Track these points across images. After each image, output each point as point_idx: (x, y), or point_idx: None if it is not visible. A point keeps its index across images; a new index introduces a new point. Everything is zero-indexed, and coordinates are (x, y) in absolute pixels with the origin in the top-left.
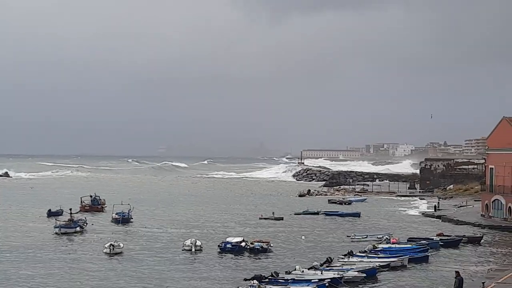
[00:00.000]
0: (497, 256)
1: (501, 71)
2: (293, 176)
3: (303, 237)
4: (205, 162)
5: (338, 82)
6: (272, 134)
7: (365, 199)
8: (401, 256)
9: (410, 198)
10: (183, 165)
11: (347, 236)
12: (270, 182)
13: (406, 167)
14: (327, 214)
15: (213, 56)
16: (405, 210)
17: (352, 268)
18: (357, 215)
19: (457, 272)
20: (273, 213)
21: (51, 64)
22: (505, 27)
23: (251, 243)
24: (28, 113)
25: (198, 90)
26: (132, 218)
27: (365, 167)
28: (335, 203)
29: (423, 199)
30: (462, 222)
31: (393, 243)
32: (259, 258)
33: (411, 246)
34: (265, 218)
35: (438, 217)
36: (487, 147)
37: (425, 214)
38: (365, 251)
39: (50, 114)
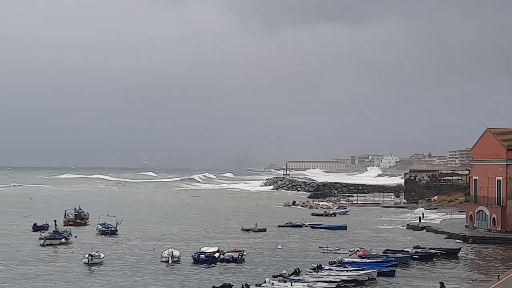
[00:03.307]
0: (472, 268)
1: (487, 82)
2: (278, 187)
3: (279, 246)
4: (191, 174)
5: (325, 93)
6: (258, 145)
7: (347, 211)
8: (369, 269)
9: (395, 209)
10: (166, 176)
11: (319, 248)
12: (255, 193)
13: (372, 176)
14: (312, 226)
15: (200, 65)
16: (390, 222)
17: (320, 281)
18: (343, 227)
19: (441, 283)
20: (256, 224)
21: (32, 72)
22: (491, 39)
23: (223, 253)
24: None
25: (184, 100)
26: (117, 231)
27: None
28: (320, 215)
29: (408, 210)
30: (446, 233)
31: (359, 256)
32: (233, 268)
33: (380, 260)
34: (247, 230)
35: (423, 228)
36: (471, 158)
37: (409, 226)
38: (334, 262)
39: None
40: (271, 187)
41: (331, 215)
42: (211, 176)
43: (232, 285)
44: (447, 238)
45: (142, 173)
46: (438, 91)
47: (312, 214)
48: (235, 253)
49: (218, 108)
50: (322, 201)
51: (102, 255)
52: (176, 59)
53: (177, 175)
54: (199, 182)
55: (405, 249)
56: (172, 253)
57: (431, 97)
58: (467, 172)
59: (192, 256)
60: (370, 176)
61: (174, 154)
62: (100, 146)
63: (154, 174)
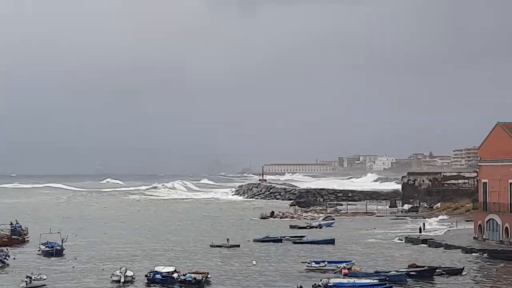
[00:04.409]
0: None
1: (495, 73)
2: (253, 195)
3: (254, 262)
4: (160, 180)
5: (308, 84)
6: (229, 146)
7: (333, 222)
8: None
9: (391, 219)
10: (124, 184)
11: (302, 263)
12: (226, 202)
13: (368, 181)
14: (294, 241)
15: (164, 58)
16: (385, 234)
17: None
18: (330, 241)
19: None
20: (227, 239)
21: None
22: (499, 26)
23: (183, 274)
24: None
25: (145, 97)
26: (64, 250)
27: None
28: (301, 228)
29: (406, 220)
30: (451, 247)
31: (345, 274)
32: None
33: (372, 280)
34: (217, 246)
35: (424, 241)
36: (479, 158)
37: (408, 238)
38: (319, 286)
39: None
40: (245, 195)
41: (315, 227)
42: (188, 183)
43: None
44: (451, 252)
45: (106, 180)
46: (440, 81)
47: (292, 227)
48: (198, 274)
49: (184, 102)
50: (307, 211)
51: (44, 277)
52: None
53: (147, 182)
54: (172, 189)
55: (399, 270)
56: (125, 272)
57: (432, 88)
58: (475, 174)
59: (146, 276)
60: (366, 182)
61: (134, 157)
62: (41, 149)
63: (120, 182)
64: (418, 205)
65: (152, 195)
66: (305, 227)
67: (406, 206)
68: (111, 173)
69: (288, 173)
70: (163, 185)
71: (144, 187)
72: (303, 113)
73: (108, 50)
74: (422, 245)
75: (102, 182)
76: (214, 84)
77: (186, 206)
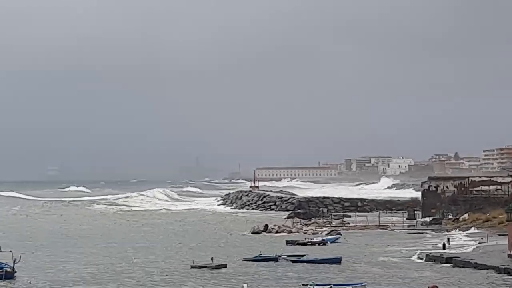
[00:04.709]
0: None
1: None
2: (243, 205)
3: (244, 285)
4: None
5: (310, 74)
6: (214, 147)
7: (338, 238)
8: None
9: (409, 233)
10: (90, 192)
11: (303, 285)
12: (211, 214)
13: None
14: (292, 260)
15: (135, 40)
16: (401, 251)
17: None
18: (336, 261)
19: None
20: (212, 258)
21: None
22: None
23: None
24: None
25: (109, 87)
26: (16, 272)
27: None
28: (301, 244)
29: (426, 234)
30: (482, 267)
31: None
32: None
33: None
34: (199, 266)
35: (448, 259)
36: None
37: (429, 256)
38: None
39: None
40: (233, 206)
41: (318, 243)
42: (169, 192)
43: None
44: (481, 272)
45: (68, 188)
46: (470, 67)
47: (290, 243)
48: None
49: (157, 93)
50: (308, 224)
51: None
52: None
53: (117, 190)
54: (150, 198)
55: None
56: None
57: (459, 75)
58: (510, 179)
59: None
60: (379, 189)
61: (97, 160)
62: None
63: (85, 190)
64: (441, 216)
65: (124, 206)
66: (305, 243)
67: (426, 218)
68: (69, 179)
69: (286, 178)
70: (141, 194)
71: (113, 196)
72: (303, 107)
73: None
74: (446, 264)
75: (63, 190)
76: (193, 71)
77: (164, 218)
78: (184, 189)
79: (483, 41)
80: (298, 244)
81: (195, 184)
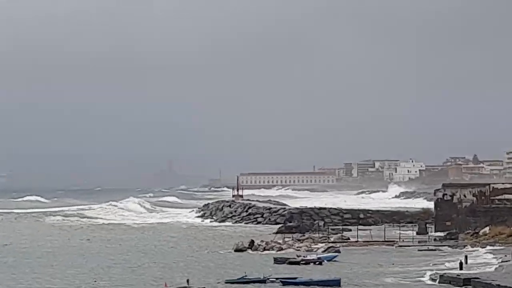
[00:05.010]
0: None
1: None
2: (225, 218)
3: None
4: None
5: (306, 69)
6: (189, 150)
7: (337, 256)
8: None
9: (420, 250)
10: (48, 202)
11: None
12: (186, 228)
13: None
14: (283, 282)
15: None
16: (411, 271)
17: None
18: (335, 283)
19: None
20: (187, 281)
21: None
22: None
23: None
24: None
25: (70, 80)
26: None
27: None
28: (293, 263)
29: (440, 251)
30: None
31: None
32: None
33: None
34: None
35: (467, 281)
36: None
37: (444, 277)
38: None
39: None
40: (213, 218)
41: (313, 262)
42: (143, 202)
43: None
44: None
45: (21, 199)
46: (490, 58)
47: (278, 261)
48: None
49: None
50: (301, 240)
51: None
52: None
53: (80, 199)
54: (87, 210)
55: None
56: None
57: (478, 67)
58: None
59: None
60: (384, 199)
61: (53, 166)
62: None
63: (42, 200)
64: (457, 230)
65: (87, 218)
66: (298, 262)
67: (440, 232)
68: (20, 187)
69: (276, 186)
70: (110, 204)
71: (75, 207)
72: (296, 103)
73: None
74: (464, 287)
75: (15, 200)
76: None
77: (133, 233)
78: (160, 199)
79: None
80: (290, 262)
81: (172, 192)
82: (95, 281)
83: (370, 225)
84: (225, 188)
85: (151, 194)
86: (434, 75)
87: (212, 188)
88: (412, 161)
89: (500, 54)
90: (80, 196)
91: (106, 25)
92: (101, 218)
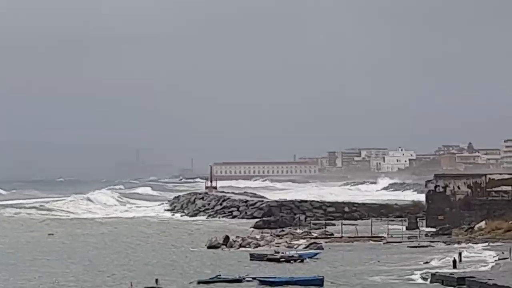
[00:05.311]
0: None
1: None
2: (197, 211)
3: None
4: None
5: (288, 44)
6: (159, 137)
7: (319, 253)
8: None
9: (410, 246)
10: (5, 194)
11: None
12: (155, 223)
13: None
14: (261, 281)
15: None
16: (400, 269)
17: None
18: (317, 282)
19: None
20: (156, 280)
21: None
22: None
23: None
24: None
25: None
26: None
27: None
28: (272, 260)
29: (432, 248)
30: None
31: None
32: None
33: None
34: None
35: (460, 280)
36: None
37: (436, 276)
38: None
39: None
40: (185, 212)
41: (294, 260)
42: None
43: None
44: None
45: None
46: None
47: (255, 258)
48: None
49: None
50: (281, 235)
51: None
52: None
53: (40, 191)
54: (48, 204)
55: None
56: None
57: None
58: None
59: None
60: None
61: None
62: None
63: (1, 192)
64: (451, 225)
65: (47, 211)
66: (277, 260)
67: (432, 227)
68: None
69: (255, 177)
70: (80, 197)
71: (39, 200)
72: (274, 86)
73: None
74: (458, 287)
75: None
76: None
77: (100, 228)
78: (132, 191)
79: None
80: (268, 259)
81: (144, 184)
82: (56, 281)
83: (355, 219)
84: (198, 179)
85: (122, 186)
86: (429, 58)
87: (184, 179)
88: (402, 150)
89: (500, 35)
90: (41, 187)
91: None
92: (67, 212)
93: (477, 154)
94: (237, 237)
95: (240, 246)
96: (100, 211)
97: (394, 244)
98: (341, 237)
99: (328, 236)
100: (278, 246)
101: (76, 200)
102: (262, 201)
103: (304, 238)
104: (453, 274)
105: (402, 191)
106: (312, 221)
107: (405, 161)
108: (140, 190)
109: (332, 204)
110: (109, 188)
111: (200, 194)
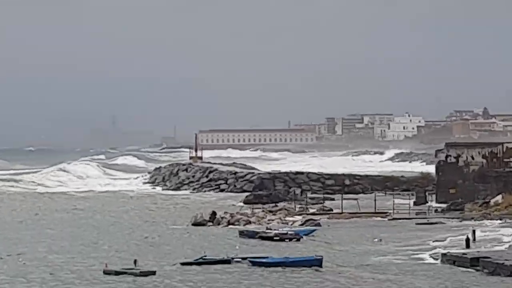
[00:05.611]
0: None
1: None
2: (181, 184)
3: None
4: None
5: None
6: (137, 102)
7: (316, 230)
8: None
9: (418, 223)
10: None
11: None
12: (133, 198)
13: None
14: (252, 263)
15: None
16: (407, 249)
17: None
18: (315, 262)
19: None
20: (135, 261)
21: None
22: None
23: None
24: None
25: None
26: None
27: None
28: (264, 238)
29: (442, 225)
30: None
31: None
32: None
33: None
34: (116, 272)
35: (474, 260)
36: None
37: (447, 256)
38: None
39: None
40: (166, 185)
41: (290, 238)
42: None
43: None
44: None
45: None
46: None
47: (245, 235)
48: None
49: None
50: (274, 211)
51: None
52: None
53: (11, 163)
54: (13, 175)
55: None
56: None
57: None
58: None
59: None
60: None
61: None
62: None
63: None
64: (463, 199)
65: (13, 183)
66: (270, 238)
67: (443, 202)
68: None
69: (245, 146)
70: (63, 168)
71: (6, 172)
72: (267, 44)
73: None
74: (471, 268)
75: None
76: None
77: (76, 203)
78: (115, 161)
79: None
80: (261, 238)
81: (126, 153)
82: (22, 262)
83: (357, 193)
84: (182, 149)
85: (103, 156)
86: (439, 9)
87: (166, 149)
88: (409, 116)
89: None
90: (10, 158)
91: None
92: (38, 185)
93: (493, 120)
94: (225, 213)
95: (229, 223)
96: (75, 184)
97: (400, 221)
98: (341, 213)
99: (327, 212)
100: (271, 223)
101: (52, 171)
102: (253, 173)
103: (300, 214)
104: (466, 254)
105: (410, 162)
106: (309, 196)
107: (413, 128)
108: (122, 160)
109: (331, 176)
110: (90, 159)
111: (183, 165)
